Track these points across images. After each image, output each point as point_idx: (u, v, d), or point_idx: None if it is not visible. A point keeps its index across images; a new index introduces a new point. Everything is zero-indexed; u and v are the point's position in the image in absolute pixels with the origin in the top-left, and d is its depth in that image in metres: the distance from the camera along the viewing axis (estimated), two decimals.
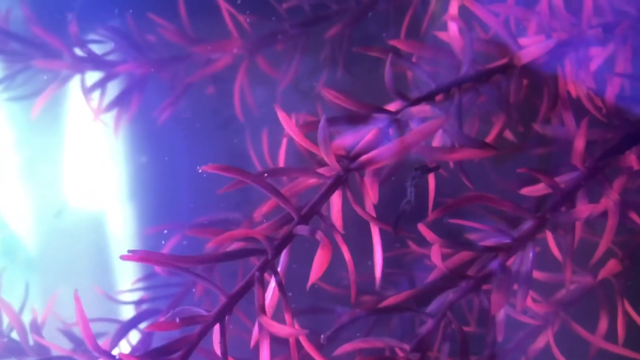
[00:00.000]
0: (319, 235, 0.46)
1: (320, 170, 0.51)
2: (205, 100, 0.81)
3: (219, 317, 0.44)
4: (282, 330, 0.42)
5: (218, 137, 0.82)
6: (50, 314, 0.71)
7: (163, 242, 0.78)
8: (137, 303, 0.75)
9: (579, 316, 0.62)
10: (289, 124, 0.49)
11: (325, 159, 0.48)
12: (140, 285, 0.76)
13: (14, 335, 0.70)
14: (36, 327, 0.70)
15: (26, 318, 0.71)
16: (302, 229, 0.47)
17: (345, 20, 0.74)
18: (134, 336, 0.72)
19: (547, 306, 0.61)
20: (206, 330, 0.44)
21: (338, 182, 0.49)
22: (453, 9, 0.54)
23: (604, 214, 0.54)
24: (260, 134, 0.74)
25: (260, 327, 0.44)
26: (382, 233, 0.51)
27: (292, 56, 0.75)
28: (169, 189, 0.84)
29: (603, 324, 0.60)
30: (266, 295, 0.47)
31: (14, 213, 0.86)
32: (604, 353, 0.60)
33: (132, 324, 0.70)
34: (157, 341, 0.69)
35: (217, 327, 0.44)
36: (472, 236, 0.64)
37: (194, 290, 0.74)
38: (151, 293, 0.76)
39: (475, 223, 0.55)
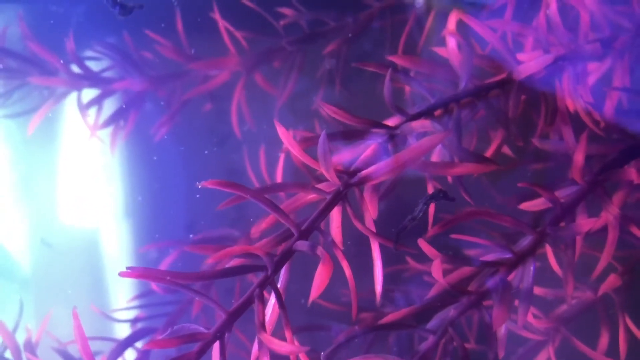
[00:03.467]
0: (320, 250, 0.45)
1: (320, 185, 0.50)
2: (202, 118, 0.81)
3: (219, 335, 0.43)
4: (283, 347, 0.42)
5: (215, 154, 0.82)
6: (45, 333, 0.70)
7: (154, 261, 0.77)
8: (133, 321, 0.74)
9: (580, 331, 0.61)
10: (288, 139, 0.48)
11: (325, 174, 0.48)
12: (135, 303, 0.76)
13: (8, 354, 0.69)
14: (30, 346, 0.70)
15: (20, 337, 0.70)
16: (302, 245, 0.47)
17: (342, 37, 0.74)
18: (130, 355, 0.71)
19: (547, 322, 0.60)
20: (205, 348, 0.43)
21: (338, 198, 0.49)
22: (451, 24, 0.54)
23: (604, 229, 0.54)
24: (257, 151, 0.74)
25: (260, 344, 0.44)
26: (380, 249, 0.50)
27: (290, 73, 0.75)
28: (164, 206, 0.84)
29: (604, 340, 0.59)
30: (266, 312, 0.46)
31: (8, 231, 0.85)
32: None
33: (128, 342, 0.69)
34: None
35: (216, 345, 0.44)
36: (470, 253, 0.64)
37: (191, 308, 0.73)
38: (147, 311, 0.75)
39: (475, 238, 0.54)
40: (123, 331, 0.75)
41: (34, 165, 0.85)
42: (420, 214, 0.49)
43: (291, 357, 0.45)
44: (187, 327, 0.44)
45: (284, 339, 0.45)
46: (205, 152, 0.81)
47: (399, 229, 0.48)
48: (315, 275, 0.47)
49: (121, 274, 0.41)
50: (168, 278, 0.42)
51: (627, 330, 0.59)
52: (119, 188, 0.84)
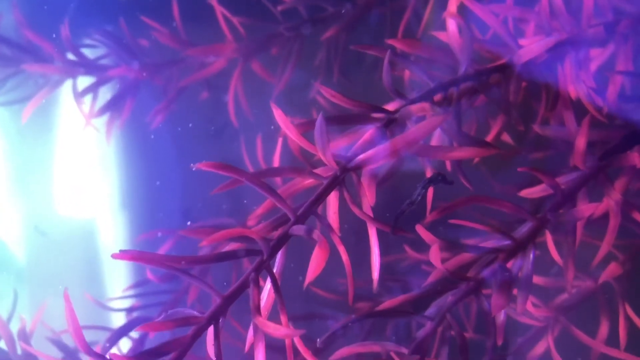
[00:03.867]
0: (316, 234, 0.45)
1: (317, 170, 0.50)
2: (199, 106, 0.80)
3: (213, 319, 0.43)
4: (278, 330, 0.41)
5: (211, 143, 0.81)
6: (40, 323, 0.70)
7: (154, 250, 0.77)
8: (128, 311, 0.74)
9: (580, 320, 0.61)
10: (285, 123, 0.48)
11: (323, 158, 0.47)
12: (131, 292, 0.75)
13: (2, 344, 0.69)
14: (24, 336, 0.69)
15: (15, 327, 0.69)
16: (298, 229, 0.46)
17: (341, 23, 0.74)
18: (125, 344, 0.70)
19: (547, 310, 0.60)
20: (200, 332, 0.42)
21: (335, 182, 0.48)
22: (452, 6, 0.53)
23: (605, 216, 0.53)
24: (253, 140, 0.73)
25: (256, 328, 0.43)
26: (378, 238, 0.50)
27: (288, 60, 0.74)
28: (160, 196, 0.83)
29: (604, 328, 0.59)
30: (261, 297, 0.46)
31: (3, 221, 0.84)
32: (606, 358, 0.59)
33: (123, 331, 0.69)
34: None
35: (211, 329, 0.43)
36: (469, 241, 0.63)
37: (186, 297, 0.73)
38: (142, 301, 0.75)
39: (474, 224, 0.54)
40: (119, 321, 0.74)
41: (29, 155, 0.85)
42: (419, 198, 0.48)
43: (286, 341, 0.44)
44: (182, 312, 0.43)
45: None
46: (202, 140, 0.81)
47: (397, 214, 0.47)
48: (311, 259, 0.46)
49: (114, 256, 0.40)
50: (162, 261, 0.41)
51: (627, 318, 0.58)
52: (115, 178, 0.84)
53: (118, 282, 0.80)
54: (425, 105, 0.49)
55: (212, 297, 0.45)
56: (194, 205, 0.81)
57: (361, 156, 0.48)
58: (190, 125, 0.80)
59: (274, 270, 0.46)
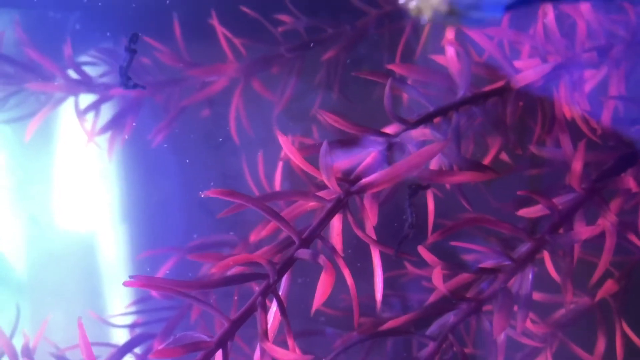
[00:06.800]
0: (322, 259, 0.46)
1: (321, 193, 0.51)
2: (200, 123, 0.81)
3: (221, 343, 0.44)
4: (286, 356, 0.42)
5: (211, 159, 0.82)
6: (42, 338, 0.70)
7: (151, 267, 0.77)
8: (131, 327, 0.75)
9: (577, 336, 0.62)
10: (289, 147, 0.49)
11: (327, 182, 0.48)
12: (133, 308, 0.76)
13: None
14: (28, 352, 0.70)
15: (17, 342, 0.70)
16: (303, 253, 0.47)
17: (340, 44, 0.75)
18: None
19: (545, 327, 0.61)
20: (208, 357, 0.43)
21: (339, 205, 0.49)
22: (450, 33, 0.54)
23: (601, 235, 0.55)
24: (254, 155, 0.74)
25: (263, 352, 0.44)
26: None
27: (288, 79, 0.75)
28: (161, 211, 0.84)
29: (601, 344, 0.60)
30: (267, 318, 0.47)
31: (4, 236, 0.85)
32: None
33: (127, 348, 0.69)
34: None
35: (219, 353, 0.44)
36: (467, 257, 0.64)
37: (189, 313, 0.73)
38: (145, 317, 0.75)
39: (474, 245, 0.55)
40: (120, 336, 0.75)
41: (31, 170, 0.85)
42: (414, 216, 0.49)
43: None
44: (190, 336, 0.44)
45: (282, 343, 0.46)
46: (203, 156, 0.81)
47: (400, 239, 0.48)
48: (317, 284, 0.47)
49: (125, 284, 0.41)
50: (170, 286, 0.42)
51: (624, 335, 0.59)
52: (115, 193, 0.84)
53: (119, 295, 0.81)
54: (426, 130, 0.50)
55: (217, 318, 0.46)
56: (195, 219, 0.82)
57: (364, 180, 0.49)
58: (192, 144, 0.81)
59: (280, 293, 0.47)
